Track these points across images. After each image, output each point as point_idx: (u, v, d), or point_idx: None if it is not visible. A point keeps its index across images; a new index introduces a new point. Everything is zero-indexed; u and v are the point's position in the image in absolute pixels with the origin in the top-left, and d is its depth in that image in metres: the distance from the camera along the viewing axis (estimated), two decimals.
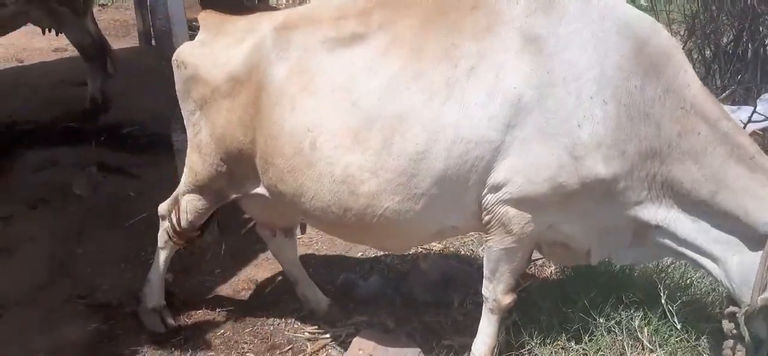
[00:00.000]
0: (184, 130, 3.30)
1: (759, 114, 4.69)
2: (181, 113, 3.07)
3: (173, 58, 2.98)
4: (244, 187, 2.95)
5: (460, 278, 3.61)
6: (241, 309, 3.55)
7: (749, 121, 4.63)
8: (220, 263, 3.96)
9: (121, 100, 6.64)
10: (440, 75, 2.43)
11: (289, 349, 3.24)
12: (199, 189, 3.05)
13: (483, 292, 2.73)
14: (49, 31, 6.47)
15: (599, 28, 2.35)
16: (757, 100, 5.02)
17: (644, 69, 2.32)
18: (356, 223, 2.63)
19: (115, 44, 7.69)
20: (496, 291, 2.68)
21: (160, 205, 3.29)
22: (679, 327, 2.59)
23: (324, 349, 3.23)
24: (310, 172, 2.59)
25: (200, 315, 3.51)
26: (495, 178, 2.42)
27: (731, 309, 2.36)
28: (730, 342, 2.37)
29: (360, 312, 3.48)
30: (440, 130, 2.40)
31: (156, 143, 5.37)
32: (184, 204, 3.13)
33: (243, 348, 3.25)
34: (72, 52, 7.49)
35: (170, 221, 3.19)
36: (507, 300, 2.69)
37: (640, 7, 5.74)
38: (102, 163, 5.28)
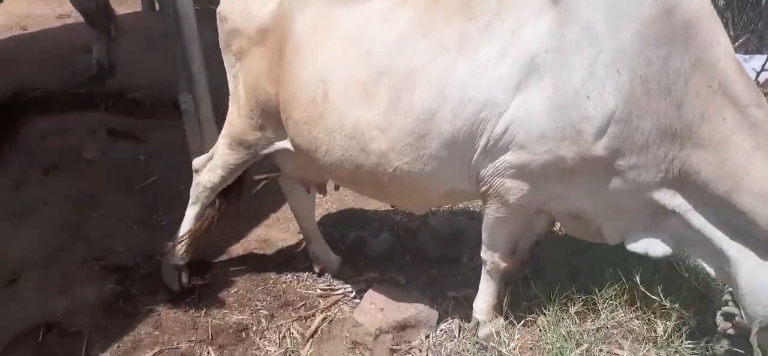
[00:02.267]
0: (190, 92, 3.29)
1: None
2: (186, 75, 3.06)
3: (217, 12, 2.97)
4: (273, 142, 2.94)
5: (469, 234, 3.63)
6: (254, 268, 3.59)
7: (762, 69, 4.57)
8: (231, 224, 3.98)
9: (126, 65, 6.63)
10: (453, 29, 2.32)
11: (301, 305, 3.28)
12: (233, 142, 3.05)
13: (482, 256, 2.71)
14: None
15: None
16: None
17: (670, 37, 2.07)
18: (369, 180, 2.61)
19: (119, 9, 7.64)
20: (493, 256, 2.66)
21: (195, 160, 3.31)
22: (686, 276, 2.57)
23: (336, 305, 3.27)
24: (322, 124, 2.55)
25: (214, 274, 3.55)
26: (496, 144, 2.31)
27: (729, 309, 2.21)
28: (724, 342, 2.24)
29: (371, 269, 3.50)
30: (448, 88, 2.29)
31: (162, 107, 5.37)
32: (217, 159, 3.14)
33: (256, 304, 3.30)
34: (76, 18, 7.46)
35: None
36: (504, 264, 2.66)
37: None
38: (111, 129, 5.32)
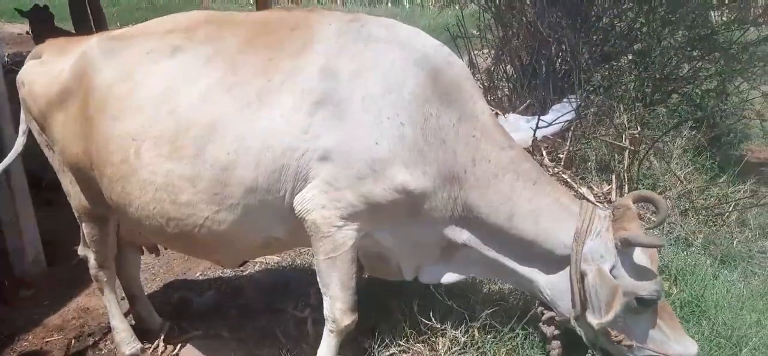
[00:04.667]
0: None
1: (543, 121, 5.50)
2: None
3: (17, 78, 3.00)
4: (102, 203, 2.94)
5: (294, 284, 3.87)
6: (72, 337, 3.57)
7: (537, 127, 5.44)
8: (49, 294, 3.94)
9: None
10: (254, 87, 2.53)
11: None
12: (80, 214, 3.08)
13: (324, 313, 2.75)
14: None
15: (400, 56, 2.54)
16: (550, 110, 5.90)
17: (438, 98, 2.50)
18: (181, 233, 2.72)
19: None
20: (334, 311, 2.69)
21: (79, 249, 3.35)
22: (450, 303, 2.99)
23: None
24: (135, 179, 2.64)
25: (27, 346, 3.49)
26: (304, 185, 2.53)
27: (549, 315, 2.64)
28: (555, 343, 2.65)
29: (196, 327, 3.61)
30: (250, 139, 2.49)
31: None
32: (84, 234, 3.17)
33: None
34: None
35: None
36: (346, 320, 2.68)
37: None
38: None
